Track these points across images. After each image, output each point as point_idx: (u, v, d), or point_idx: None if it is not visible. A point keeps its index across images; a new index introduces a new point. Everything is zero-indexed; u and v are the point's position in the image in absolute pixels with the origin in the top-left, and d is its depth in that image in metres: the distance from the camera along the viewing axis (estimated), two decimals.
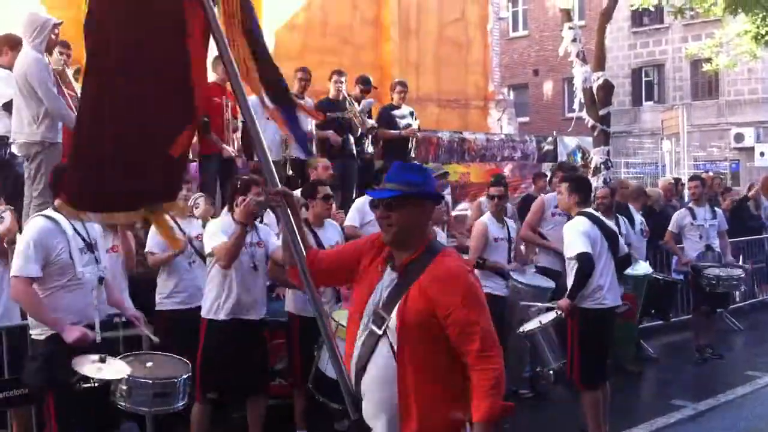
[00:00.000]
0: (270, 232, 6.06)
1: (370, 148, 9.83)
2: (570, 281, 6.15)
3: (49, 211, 4.79)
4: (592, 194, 6.83)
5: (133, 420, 5.77)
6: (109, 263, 5.41)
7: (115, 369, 4.46)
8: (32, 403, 5.24)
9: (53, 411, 4.56)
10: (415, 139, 10.20)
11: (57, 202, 4.73)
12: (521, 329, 6.48)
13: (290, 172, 8.93)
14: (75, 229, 4.73)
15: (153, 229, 6.32)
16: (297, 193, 7.47)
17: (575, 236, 6.01)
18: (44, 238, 4.61)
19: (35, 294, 4.61)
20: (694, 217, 9.31)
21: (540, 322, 6.35)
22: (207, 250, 5.74)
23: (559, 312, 6.20)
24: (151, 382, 4.50)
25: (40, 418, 5.38)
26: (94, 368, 4.37)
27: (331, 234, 6.46)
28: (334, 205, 6.96)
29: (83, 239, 4.76)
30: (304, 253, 3.41)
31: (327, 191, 6.43)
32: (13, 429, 5.61)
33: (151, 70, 3.37)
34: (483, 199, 9.03)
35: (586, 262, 5.95)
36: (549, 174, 11.03)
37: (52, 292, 4.65)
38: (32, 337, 4.73)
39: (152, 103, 3.36)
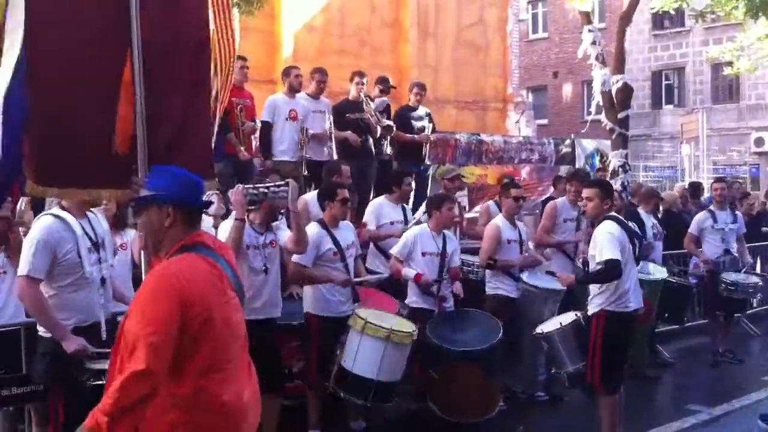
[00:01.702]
0: (282, 227, 6.07)
1: (388, 149, 9.85)
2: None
3: (57, 210, 4.78)
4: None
5: None
6: (117, 261, 5.46)
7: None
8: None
9: (62, 408, 4.57)
10: (428, 144, 10.19)
11: (64, 201, 4.77)
12: (539, 330, 6.49)
13: (305, 173, 8.97)
14: (83, 228, 4.75)
15: None
16: (312, 195, 7.58)
17: (608, 241, 5.96)
18: (51, 237, 4.60)
19: (40, 295, 4.60)
20: (715, 220, 9.28)
21: (560, 323, 6.37)
22: None
23: (578, 314, 6.22)
24: None
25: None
26: (98, 363, 4.38)
27: (346, 234, 6.52)
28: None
29: (90, 238, 4.77)
30: None
31: (345, 195, 6.48)
32: (33, 422, 5.67)
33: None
34: (491, 203, 9.01)
35: (615, 270, 5.96)
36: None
37: (59, 291, 4.66)
38: (39, 333, 4.74)
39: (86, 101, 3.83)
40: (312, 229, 6.31)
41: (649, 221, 9.04)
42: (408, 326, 6.16)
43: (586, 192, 6.40)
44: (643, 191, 9.59)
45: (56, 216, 4.72)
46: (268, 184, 5.79)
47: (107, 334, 4.71)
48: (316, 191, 7.70)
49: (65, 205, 4.78)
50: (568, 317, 6.37)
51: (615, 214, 6.33)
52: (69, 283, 4.67)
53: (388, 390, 6.04)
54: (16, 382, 5.11)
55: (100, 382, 4.29)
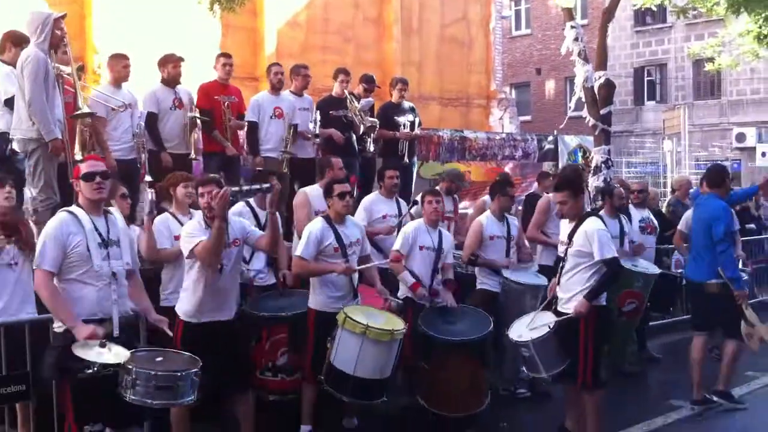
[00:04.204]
0: (244, 225, 5.96)
1: (371, 147, 9.83)
2: (571, 281, 6.15)
3: (73, 207, 4.94)
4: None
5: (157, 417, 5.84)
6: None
7: (114, 353, 4.52)
8: (29, 399, 5.27)
9: (69, 402, 4.64)
10: (407, 140, 10.14)
11: (81, 199, 4.93)
12: (513, 336, 6.34)
13: (286, 170, 8.95)
14: (94, 224, 4.85)
15: (157, 225, 6.38)
16: (312, 188, 7.60)
17: (604, 239, 5.99)
18: (61, 230, 4.76)
19: (54, 287, 4.73)
20: None
21: (531, 337, 6.15)
22: (185, 252, 5.62)
23: (555, 320, 6.12)
24: (153, 373, 4.52)
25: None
26: (94, 353, 4.46)
27: (351, 231, 6.54)
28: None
29: (99, 234, 4.84)
30: None
31: (343, 189, 6.50)
32: (18, 422, 5.67)
33: None
34: (486, 198, 9.05)
35: (619, 267, 5.99)
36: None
37: (69, 284, 4.78)
38: (53, 329, 4.87)
39: None
40: (316, 224, 6.38)
41: (638, 215, 9.06)
42: (393, 325, 6.11)
43: (557, 197, 6.41)
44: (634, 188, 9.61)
45: (69, 212, 4.89)
46: (250, 186, 5.80)
47: (120, 331, 4.79)
48: (316, 184, 7.76)
49: (82, 203, 4.93)
50: (545, 320, 6.20)
51: (591, 211, 6.38)
52: (78, 275, 4.79)
53: (370, 387, 6.02)
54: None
55: (90, 371, 4.38)
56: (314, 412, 6.42)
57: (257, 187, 5.73)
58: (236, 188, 5.61)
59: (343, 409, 6.66)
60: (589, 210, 6.30)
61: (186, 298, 5.73)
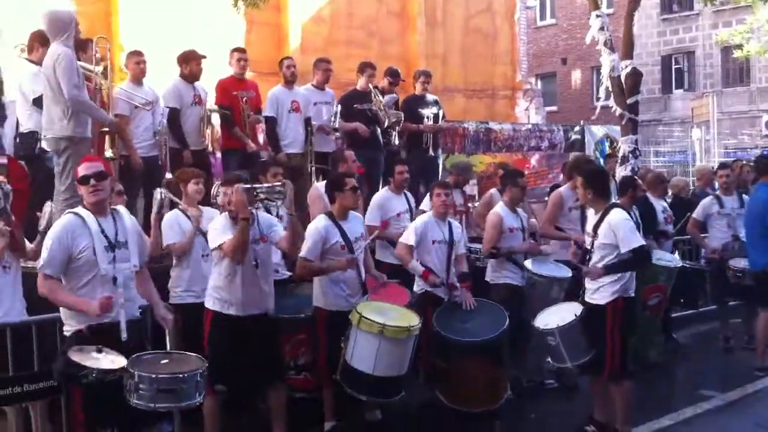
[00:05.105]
0: (272, 222, 5.97)
1: (396, 140, 9.83)
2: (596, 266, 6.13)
3: (79, 209, 4.86)
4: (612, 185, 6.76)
5: (167, 418, 5.89)
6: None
7: (111, 360, 4.51)
8: (61, 393, 5.33)
9: (80, 408, 4.64)
10: (432, 133, 10.12)
11: (86, 200, 4.84)
12: (538, 324, 6.34)
13: (312, 164, 8.98)
14: (101, 227, 4.78)
15: (166, 222, 6.43)
16: (321, 185, 7.58)
17: (631, 228, 5.97)
18: (67, 234, 4.69)
19: (53, 283, 4.70)
20: (721, 205, 9.20)
21: (563, 320, 6.16)
22: (212, 245, 5.67)
23: (582, 308, 6.13)
24: (154, 376, 4.49)
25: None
26: (91, 359, 4.46)
27: (355, 226, 6.47)
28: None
29: (106, 237, 4.78)
30: None
31: (354, 183, 6.45)
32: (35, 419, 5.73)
33: None
34: (494, 191, 9.00)
35: (646, 256, 5.99)
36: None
37: (77, 290, 4.74)
38: (64, 333, 4.85)
39: None
40: (319, 223, 6.29)
41: (659, 206, 9.01)
42: (408, 320, 6.07)
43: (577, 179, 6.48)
44: (650, 178, 9.53)
45: (76, 214, 4.81)
46: (264, 185, 5.78)
47: (128, 335, 4.73)
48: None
49: (86, 204, 4.85)
50: (571, 310, 6.22)
51: (618, 202, 6.36)
52: (86, 281, 4.73)
53: (389, 385, 6.00)
54: (27, 380, 5.21)
55: (89, 375, 4.39)
56: (336, 408, 6.40)
57: (277, 185, 5.69)
58: (259, 189, 5.60)
59: (366, 403, 6.63)
60: (615, 202, 6.26)
61: (216, 291, 5.73)
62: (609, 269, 5.96)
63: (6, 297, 5.69)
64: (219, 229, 5.66)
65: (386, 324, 5.83)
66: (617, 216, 6.03)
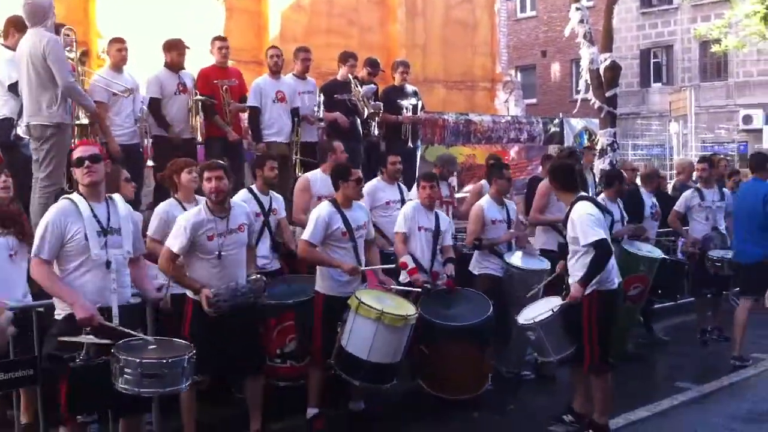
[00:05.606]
0: (248, 213, 5.97)
1: (376, 131, 9.80)
2: (574, 267, 6.13)
3: (73, 195, 4.90)
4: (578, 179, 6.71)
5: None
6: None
7: (101, 339, 4.53)
8: (37, 383, 5.27)
9: (63, 393, 4.60)
10: (410, 124, 10.08)
11: (81, 186, 4.87)
12: (521, 320, 6.37)
13: (297, 156, 8.94)
14: (93, 212, 4.80)
15: (162, 213, 6.35)
16: (314, 173, 7.59)
17: (589, 223, 5.93)
18: (60, 219, 4.73)
19: (49, 271, 4.72)
20: (702, 198, 9.26)
21: (544, 312, 6.17)
22: (168, 238, 5.69)
23: (561, 302, 6.13)
24: (138, 361, 4.50)
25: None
26: (83, 337, 4.49)
27: (358, 215, 6.51)
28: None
29: (99, 222, 4.80)
30: None
31: (360, 175, 6.54)
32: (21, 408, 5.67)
33: None
34: (484, 182, 9.02)
35: (607, 249, 5.95)
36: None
37: (68, 274, 4.76)
38: (54, 317, 4.84)
39: None
40: (323, 208, 6.35)
41: (649, 201, 9.06)
42: (406, 309, 6.14)
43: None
44: (645, 172, 9.60)
45: (69, 199, 4.85)
46: (236, 290, 5.59)
47: (120, 320, 4.74)
48: (318, 169, 7.73)
49: (81, 190, 4.88)
50: (551, 304, 6.24)
51: (586, 194, 6.36)
52: (77, 265, 4.77)
53: (383, 372, 6.04)
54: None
55: (74, 357, 4.43)
56: (321, 394, 6.43)
57: (250, 281, 5.71)
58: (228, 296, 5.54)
59: (350, 392, 6.66)
60: (582, 194, 6.25)
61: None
62: (583, 280, 5.94)
63: (20, 284, 5.71)
64: (180, 229, 5.56)
65: (384, 311, 5.88)
66: (579, 209, 6.04)
